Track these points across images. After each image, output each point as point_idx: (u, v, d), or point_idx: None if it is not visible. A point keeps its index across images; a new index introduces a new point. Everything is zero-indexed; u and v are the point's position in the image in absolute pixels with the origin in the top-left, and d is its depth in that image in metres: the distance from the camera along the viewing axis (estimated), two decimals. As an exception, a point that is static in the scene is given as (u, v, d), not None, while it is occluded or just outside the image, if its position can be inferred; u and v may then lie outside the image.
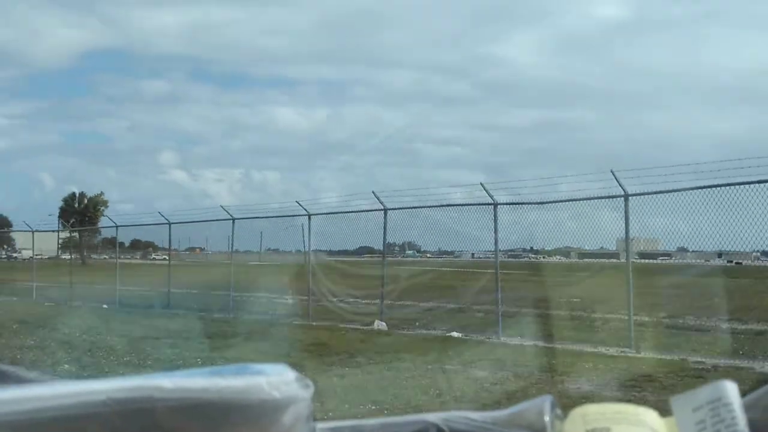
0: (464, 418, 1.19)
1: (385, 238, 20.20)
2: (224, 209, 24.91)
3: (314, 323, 19.28)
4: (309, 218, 22.40)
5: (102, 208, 68.64)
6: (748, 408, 1.11)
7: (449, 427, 1.18)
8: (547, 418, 1.17)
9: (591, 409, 1.19)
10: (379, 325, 18.25)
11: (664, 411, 1.18)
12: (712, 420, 1.11)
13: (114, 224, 29.31)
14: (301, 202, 22.48)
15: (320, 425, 1.20)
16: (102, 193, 79.19)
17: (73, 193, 78.27)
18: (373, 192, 19.96)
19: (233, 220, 24.69)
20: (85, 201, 77.19)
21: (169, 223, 27.30)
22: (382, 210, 20.33)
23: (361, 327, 18.37)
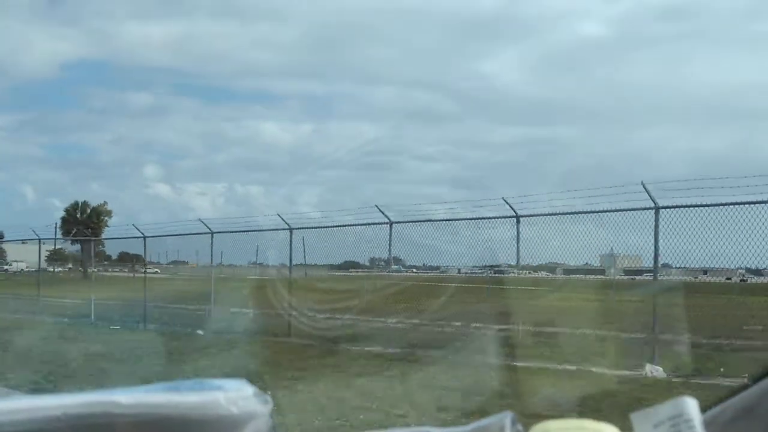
0: None
1: (390, 251, 19.61)
2: (203, 222, 24.38)
3: (285, 339, 18.93)
4: (291, 232, 21.68)
5: (105, 218, 65.22)
6: (708, 424, 1.10)
7: None
8: None
9: (552, 426, 1.18)
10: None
11: (625, 427, 1.17)
12: None
13: (141, 235, 26.30)
14: (283, 216, 21.90)
15: None
16: (105, 203, 75.14)
17: (76, 203, 74.31)
18: (377, 206, 19.47)
19: (212, 233, 24.11)
20: (88, 210, 73.40)
21: (144, 237, 26.23)
22: (386, 223, 19.62)
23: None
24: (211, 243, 24.47)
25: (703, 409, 1.13)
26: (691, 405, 1.12)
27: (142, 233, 26.19)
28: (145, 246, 26.78)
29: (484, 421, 1.19)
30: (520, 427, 1.19)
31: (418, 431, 1.17)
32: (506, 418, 1.18)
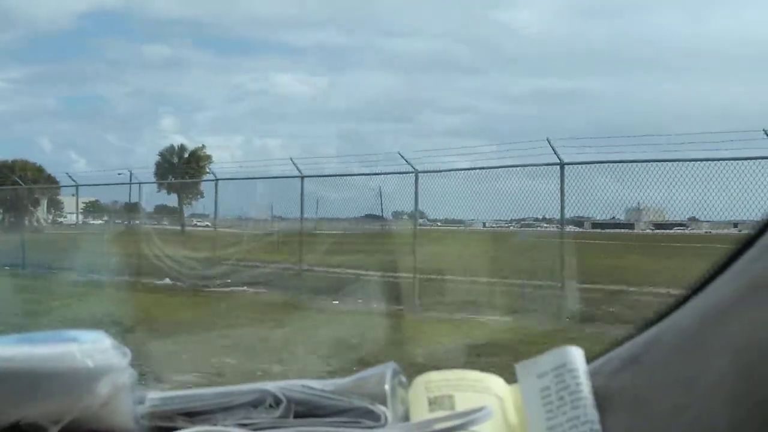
0: (303, 386, 1.11)
1: (417, 203, 17.37)
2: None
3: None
4: (302, 180, 18.64)
5: (205, 163, 52.13)
6: (593, 374, 1.04)
7: (287, 396, 1.10)
8: (387, 387, 1.09)
9: (434, 377, 1.11)
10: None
11: (510, 377, 1.11)
12: (556, 386, 1.04)
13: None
14: (296, 162, 19.10)
15: (150, 395, 1.13)
16: (203, 146, 62.26)
17: (171, 146, 62.28)
18: (399, 153, 17.20)
19: (216, 180, 21.64)
20: (186, 155, 62.13)
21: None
22: (412, 172, 17.10)
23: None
24: (215, 192, 22.01)
25: (589, 359, 1.06)
26: (575, 354, 1.06)
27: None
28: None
29: (365, 373, 1.13)
30: (402, 377, 1.13)
31: (295, 384, 1.11)
32: (388, 368, 1.12)
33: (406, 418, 1.08)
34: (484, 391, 1.09)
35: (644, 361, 0.97)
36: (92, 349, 1.04)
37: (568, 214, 15.48)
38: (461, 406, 1.05)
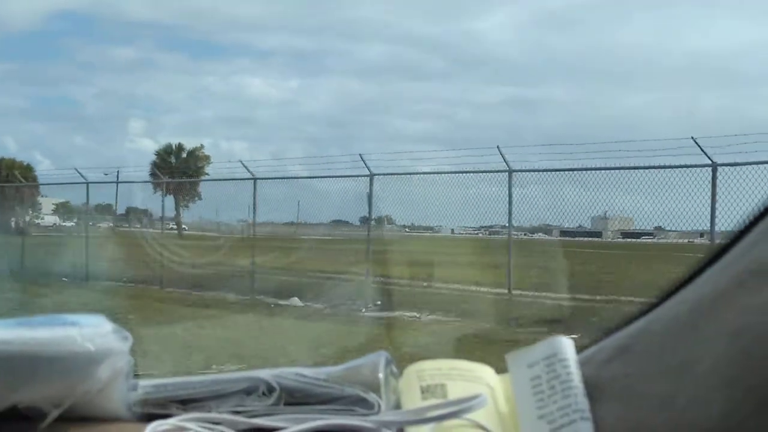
0: (296, 374, 1.12)
1: (371, 206, 17.53)
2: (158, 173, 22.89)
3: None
4: (254, 183, 18.20)
5: (204, 164, 48.66)
6: (583, 364, 1.05)
7: (280, 383, 1.11)
8: (380, 375, 1.10)
9: (426, 366, 1.12)
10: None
11: (501, 367, 1.12)
12: (547, 376, 1.05)
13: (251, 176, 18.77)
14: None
15: (143, 382, 1.13)
16: (202, 146, 57.21)
17: (169, 145, 57.10)
18: (360, 155, 17.09)
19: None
20: (184, 154, 56.56)
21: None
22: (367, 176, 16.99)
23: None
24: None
25: (579, 349, 1.07)
26: (566, 344, 1.07)
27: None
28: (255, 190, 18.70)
29: (358, 361, 1.14)
30: (394, 367, 1.14)
31: (288, 372, 1.12)
32: (381, 357, 1.13)
33: (398, 406, 1.09)
34: (475, 380, 1.10)
35: (635, 350, 0.99)
36: (93, 333, 1.03)
37: (534, 222, 15.69)
38: (453, 394, 1.06)
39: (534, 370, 1.06)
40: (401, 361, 1.15)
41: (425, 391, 1.08)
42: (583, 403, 1.00)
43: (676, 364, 0.89)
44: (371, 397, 1.07)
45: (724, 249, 0.88)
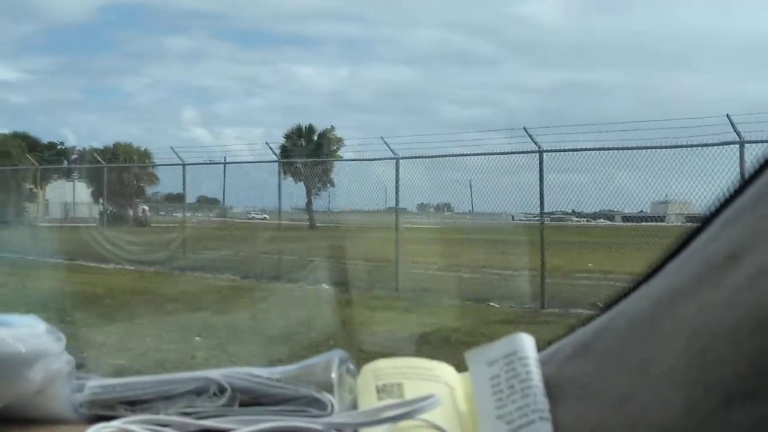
0: (248, 374, 1.07)
1: (398, 190, 16.16)
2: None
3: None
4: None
5: (336, 147, 41.94)
6: (543, 362, 1.00)
7: (231, 384, 1.06)
8: (333, 375, 1.05)
9: (383, 364, 1.07)
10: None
11: (461, 366, 1.07)
12: (506, 375, 1.00)
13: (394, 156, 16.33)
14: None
15: (90, 383, 1.08)
16: (333, 128, 48.84)
17: (299, 127, 48.99)
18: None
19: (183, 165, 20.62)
20: (315, 137, 48.32)
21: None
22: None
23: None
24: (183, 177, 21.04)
25: (540, 347, 1.03)
26: (526, 342, 1.02)
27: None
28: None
29: (312, 360, 1.09)
30: (350, 365, 1.09)
31: (240, 372, 1.07)
32: (335, 356, 1.08)
33: (354, 406, 1.04)
34: (433, 379, 1.06)
35: (595, 349, 0.94)
36: (25, 333, 0.98)
37: (594, 208, 15.23)
38: (410, 394, 1.02)
39: (493, 369, 1.02)
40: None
41: (381, 391, 1.03)
42: (543, 402, 0.95)
43: (635, 363, 0.85)
44: (324, 397, 1.02)
45: (685, 242, 0.84)
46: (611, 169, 15.07)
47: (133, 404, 1.07)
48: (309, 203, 27.24)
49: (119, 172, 27.44)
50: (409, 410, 0.95)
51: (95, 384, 1.08)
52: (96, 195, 29.39)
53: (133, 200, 28.41)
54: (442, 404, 0.99)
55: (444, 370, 1.08)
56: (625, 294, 0.93)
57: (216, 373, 1.07)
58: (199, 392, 1.06)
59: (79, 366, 1.10)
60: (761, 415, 0.67)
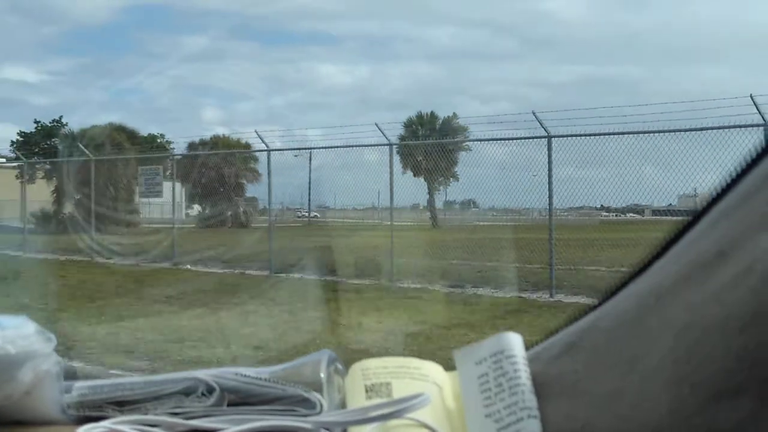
0: (236, 374, 1.06)
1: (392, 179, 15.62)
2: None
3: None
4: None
5: (463, 134, 32.32)
6: (531, 360, 1.00)
7: (219, 384, 1.05)
8: (322, 374, 1.04)
9: (372, 364, 1.07)
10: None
11: (449, 365, 1.06)
12: (494, 373, 1.00)
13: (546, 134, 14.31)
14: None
15: (78, 384, 1.07)
16: (455, 115, 39.88)
17: (420, 114, 41.66)
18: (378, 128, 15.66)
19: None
20: (437, 124, 40.77)
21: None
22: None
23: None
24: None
25: (528, 346, 1.02)
26: (514, 341, 1.02)
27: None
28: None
29: (301, 360, 1.08)
30: (339, 365, 1.08)
31: (228, 372, 1.06)
32: (323, 355, 1.07)
33: (343, 405, 1.04)
34: (422, 378, 1.05)
35: (583, 346, 0.94)
36: (14, 335, 0.97)
37: (624, 202, 14.91)
38: (399, 393, 1.01)
39: (481, 368, 1.01)
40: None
41: (369, 390, 1.02)
42: (531, 400, 0.95)
43: (623, 361, 0.84)
44: (313, 396, 1.01)
45: (672, 240, 0.83)
46: (638, 162, 14.82)
47: (122, 405, 1.06)
48: (431, 198, 23.29)
49: (218, 167, 23.33)
50: (399, 409, 0.95)
51: (83, 385, 1.07)
52: (191, 193, 26.32)
53: (233, 198, 24.61)
54: (430, 402, 0.98)
55: (432, 368, 1.07)
56: (613, 292, 0.92)
57: (204, 373, 1.06)
58: (187, 392, 1.05)
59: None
60: (749, 411, 0.66)
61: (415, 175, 21.55)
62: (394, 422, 0.96)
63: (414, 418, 0.96)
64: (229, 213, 24.11)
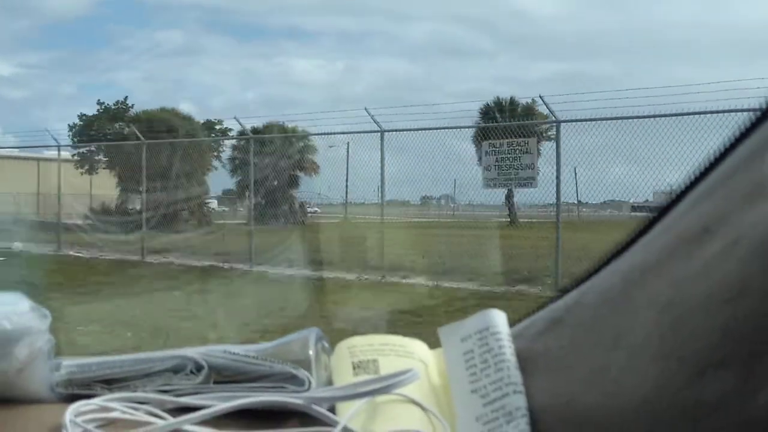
0: (225, 352, 1.06)
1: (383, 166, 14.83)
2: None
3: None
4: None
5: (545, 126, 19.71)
6: (516, 337, 1.01)
7: (208, 361, 1.05)
8: (311, 352, 1.05)
9: (358, 341, 1.07)
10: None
11: (434, 342, 1.07)
12: (480, 349, 1.01)
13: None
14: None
15: (67, 362, 1.06)
16: (535, 101, 22.03)
17: (498, 99, 30.04)
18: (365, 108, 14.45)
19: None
20: (518, 109, 28.63)
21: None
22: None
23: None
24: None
25: (513, 322, 1.03)
26: (498, 317, 1.03)
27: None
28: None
29: (288, 337, 1.08)
30: (325, 342, 1.09)
31: (216, 349, 1.06)
32: (311, 334, 1.07)
33: (329, 382, 1.04)
34: (407, 355, 1.06)
35: (567, 323, 0.95)
36: (10, 311, 0.96)
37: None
38: (385, 370, 1.02)
39: (466, 344, 1.02)
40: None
41: (357, 367, 1.03)
42: (516, 376, 0.96)
43: (608, 336, 0.85)
44: (301, 373, 1.02)
45: (657, 216, 0.84)
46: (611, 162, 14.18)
47: (110, 383, 1.05)
48: (510, 193, 19.50)
49: (273, 157, 20.18)
50: (388, 384, 0.95)
51: (72, 363, 1.06)
52: (241, 186, 24.00)
53: (287, 192, 22.11)
54: (418, 379, 0.99)
55: (417, 346, 1.08)
56: (597, 269, 0.93)
57: (192, 351, 1.06)
58: (176, 370, 1.05)
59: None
60: (734, 384, 0.67)
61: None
62: (382, 398, 0.97)
63: (402, 393, 0.97)
64: (286, 207, 22.01)
